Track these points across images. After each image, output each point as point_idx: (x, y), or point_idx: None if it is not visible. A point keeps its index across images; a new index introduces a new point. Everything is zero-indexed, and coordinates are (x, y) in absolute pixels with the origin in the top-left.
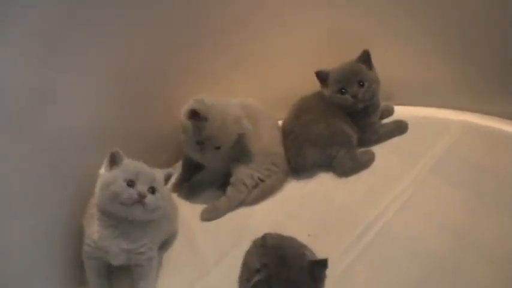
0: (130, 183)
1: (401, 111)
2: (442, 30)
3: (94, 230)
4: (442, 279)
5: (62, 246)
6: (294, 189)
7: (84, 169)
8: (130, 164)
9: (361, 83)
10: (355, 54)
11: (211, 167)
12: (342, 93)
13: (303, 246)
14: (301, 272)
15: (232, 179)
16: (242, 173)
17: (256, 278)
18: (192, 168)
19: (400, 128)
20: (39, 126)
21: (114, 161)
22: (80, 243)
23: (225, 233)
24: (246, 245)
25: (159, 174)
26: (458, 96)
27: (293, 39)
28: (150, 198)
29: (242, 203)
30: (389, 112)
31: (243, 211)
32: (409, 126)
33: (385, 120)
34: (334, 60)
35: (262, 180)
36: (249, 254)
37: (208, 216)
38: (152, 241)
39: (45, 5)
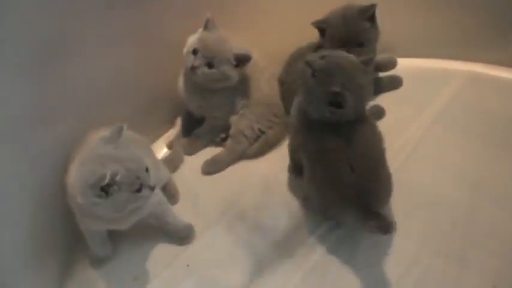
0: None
1: (404, 63)
2: None
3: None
4: (454, 225)
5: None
6: None
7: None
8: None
9: (361, 44)
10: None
11: (210, 117)
12: None
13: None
14: (356, 64)
15: (231, 131)
16: (242, 124)
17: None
18: (191, 123)
19: (394, 83)
20: None
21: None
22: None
23: (226, 186)
24: (248, 197)
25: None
26: (462, 47)
27: None
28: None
29: (243, 156)
30: (393, 64)
31: (244, 164)
32: (413, 78)
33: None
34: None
35: (263, 132)
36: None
37: (209, 169)
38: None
39: None
